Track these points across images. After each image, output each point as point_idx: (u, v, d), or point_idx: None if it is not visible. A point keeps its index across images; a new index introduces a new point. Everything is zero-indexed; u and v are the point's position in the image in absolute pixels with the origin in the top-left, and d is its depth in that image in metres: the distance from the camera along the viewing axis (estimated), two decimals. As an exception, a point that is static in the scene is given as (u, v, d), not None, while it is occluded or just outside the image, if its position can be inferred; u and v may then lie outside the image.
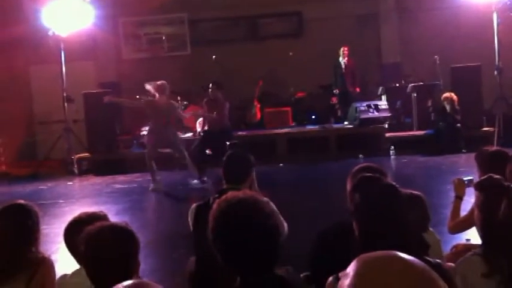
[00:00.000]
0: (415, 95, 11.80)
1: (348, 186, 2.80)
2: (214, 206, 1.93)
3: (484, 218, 2.38)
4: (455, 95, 11.04)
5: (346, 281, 0.97)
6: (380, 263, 0.99)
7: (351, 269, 0.99)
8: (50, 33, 11.48)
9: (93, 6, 11.68)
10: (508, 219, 2.25)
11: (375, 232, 2.02)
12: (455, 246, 3.78)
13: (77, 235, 2.26)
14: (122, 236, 2.11)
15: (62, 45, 11.64)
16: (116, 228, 2.15)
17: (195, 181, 9.18)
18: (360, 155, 10.76)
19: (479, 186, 2.47)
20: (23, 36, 12.33)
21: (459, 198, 3.74)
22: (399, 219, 2.09)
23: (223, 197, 1.97)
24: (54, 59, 11.84)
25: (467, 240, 3.98)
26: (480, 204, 2.41)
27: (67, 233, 2.72)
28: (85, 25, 11.71)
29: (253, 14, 14.03)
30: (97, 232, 2.10)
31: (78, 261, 2.67)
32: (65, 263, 3.47)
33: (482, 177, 2.57)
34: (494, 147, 5.04)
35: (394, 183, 2.17)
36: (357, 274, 0.97)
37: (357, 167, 2.94)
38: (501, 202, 2.27)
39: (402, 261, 0.99)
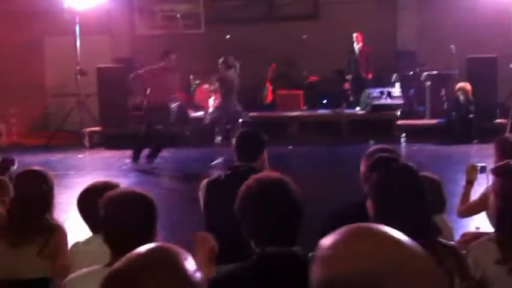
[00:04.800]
0: (429, 83, 11.71)
1: (362, 167, 2.79)
2: (247, 183, 2.08)
3: (500, 203, 2.37)
4: (470, 85, 10.95)
5: (327, 239, 0.96)
6: (367, 231, 0.96)
7: (337, 231, 0.97)
8: (65, 5, 11.47)
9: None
10: None
11: (392, 212, 2.02)
12: (464, 235, 3.77)
13: (92, 201, 2.28)
14: (142, 201, 2.13)
15: (77, 19, 11.63)
16: (136, 193, 2.17)
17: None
18: (371, 141, 10.72)
19: (498, 171, 2.46)
20: (38, 7, 12.31)
21: (470, 183, 3.72)
22: (417, 200, 2.09)
23: (254, 177, 2.10)
24: (69, 31, 11.85)
25: (477, 228, 3.97)
26: (498, 190, 2.39)
27: (81, 200, 2.74)
28: (101, -1, 11.70)
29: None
30: (118, 196, 2.12)
31: (92, 228, 2.70)
32: (75, 232, 3.51)
33: (501, 163, 2.55)
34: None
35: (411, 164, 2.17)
36: (340, 235, 0.95)
37: (371, 148, 2.93)
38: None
39: (391, 234, 0.95)
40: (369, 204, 2.14)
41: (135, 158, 9.52)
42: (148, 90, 9.35)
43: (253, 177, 2.08)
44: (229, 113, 10.05)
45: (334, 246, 0.93)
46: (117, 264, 1.05)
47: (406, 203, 2.04)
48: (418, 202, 2.07)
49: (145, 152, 9.49)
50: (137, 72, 9.75)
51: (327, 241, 0.95)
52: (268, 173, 2.18)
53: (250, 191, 2.03)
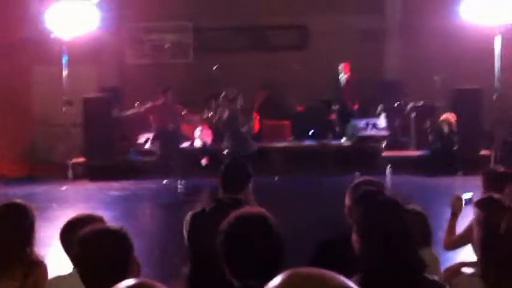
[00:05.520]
0: (414, 114, 11.82)
1: (347, 200, 2.78)
2: (228, 219, 2.09)
3: (484, 235, 2.37)
4: (455, 116, 11.07)
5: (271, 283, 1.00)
6: (310, 278, 0.99)
7: (280, 275, 1.01)
8: (52, 36, 11.50)
9: (99, 10, 11.71)
10: (508, 238, 2.24)
11: (378, 247, 2.01)
12: (447, 270, 3.73)
13: (74, 235, 2.25)
14: (115, 237, 2.12)
15: (64, 48, 11.65)
16: (110, 230, 2.16)
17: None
18: (357, 172, 10.75)
19: (481, 204, 2.47)
20: (26, 37, 12.33)
21: (455, 215, 3.72)
22: (403, 235, 2.08)
23: (235, 213, 2.12)
24: (56, 61, 11.86)
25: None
26: (481, 222, 2.40)
27: (63, 233, 2.71)
28: (90, 28, 11.73)
29: (258, 24, 14.09)
30: (91, 233, 2.11)
31: (73, 261, 2.65)
32: (57, 266, 3.44)
33: (483, 196, 2.57)
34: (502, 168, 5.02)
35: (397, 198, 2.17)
36: (283, 281, 0.98)
37: (357, 181, 2.93)
38: (501, 220, 2.26)
39: (335, 281, 0.97)
40: (354, 238, 2.13)
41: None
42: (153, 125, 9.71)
43: (233, 214, 2.10)
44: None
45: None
46: None
47: (392, 238, 2.03)
48: (404, 237, 2.06)
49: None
50: (139, 110, 10.07)
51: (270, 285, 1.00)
52: (248, 209, 2.20)
53: (230, 228, 2.04)
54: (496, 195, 2.50)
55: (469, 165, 9.80)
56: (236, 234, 2.02)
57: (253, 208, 2.23)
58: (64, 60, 11.78)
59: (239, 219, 2.05)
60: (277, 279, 1.01)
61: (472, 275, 2.34)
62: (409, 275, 1.93)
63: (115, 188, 10.29)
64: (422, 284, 1.96)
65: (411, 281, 1.94)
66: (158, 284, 1.08)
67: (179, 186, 9.52)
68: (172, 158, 9.90)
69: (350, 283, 0.98)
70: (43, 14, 11.46)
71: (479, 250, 2.41)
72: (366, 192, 2.29)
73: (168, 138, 10.01)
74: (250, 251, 1.98)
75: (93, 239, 2.09)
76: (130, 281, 1.08)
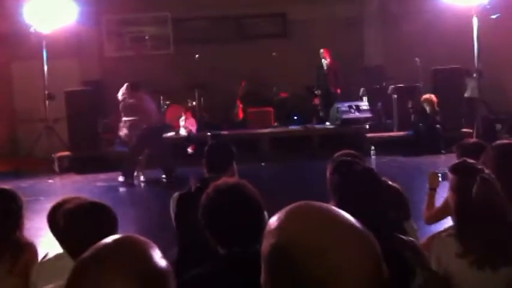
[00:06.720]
0: (395, 96, 11.94)
1: (328, 173, 2.85)
2: (208, 190, 2.18)
3: (458, 199, 2.45)
4: (436, 96, 11.20)
5: (273, 217, 1.05)
6: (312, 209, 1.04)
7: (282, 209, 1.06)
8: (32, 30, 11.41)
9: (76, 3, 11.64)
10: (480, 200, 2.32)
11: (351, 209, 2.08)
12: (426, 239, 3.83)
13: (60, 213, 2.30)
14: (98, 209, 2.18)
15: (44, 43, 11.57)
16: (91, 202, 2.23)
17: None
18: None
19: (453, 169, 2.55)
20: (4, 33, 12.24)
21: (433, 189, 3.82)
22: (377, 201, 2.15)
23: (213, 185, 2.20)
24: (36, 56, 11.77)
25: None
26: (454, 186, 2.48)
27: (50, 214, 2.75)
28: (68, 22, 11.66)
29: (238, 13, 14.09)
30: (74, 207, 2.17)
31: (59, 237, 2.70)
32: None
33: (457, 161, 2.65)
34: (474, 139, 5.15)
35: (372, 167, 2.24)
36: (283, 212, 1.04)
37: (337, 153, 3.00)
38: (474, 183, 2.34)
39: (338, 214, 1.03)
40: (331, 204, 2.19)
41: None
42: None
43: (211, 186, 2.18)
44: None
45: (278, 220, 1.03)
46: (85, 254, 1.08)
47: (367, 202, 2.10)
48: (376, 200, 2.13)
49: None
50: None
51: (272, 218, 1.05)
52: (225, 180, 2.27)
53: (208, 199, 2.12)
54: (469, 160, 2.58)
55: (452, 144, 9.90)
56: (215, 203, 2.09)
57: (230, 179, 2.29)
58: (44, 54, 11.69)
59: (216, 190, 2.13)
60: (277, 214, 1.06)
61: (448, 235, 2.43)
62: (380, 235, 2.00)
63: (102, 179, 10.29)
64: (396, 244, 2.04)
65: (384, 241, 2.01)
66: (144, 238, 1.13)
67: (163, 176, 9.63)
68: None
69: (352, 219, 1.04)
70: (21, 8, 11.35)
71: (454, 213, 2.49)
72: (342, 162, 2.36)
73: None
74: (229, 219, 2.04)
75: (76, 211, 2.15)
76: (118, 235, 1.13)
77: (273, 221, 1.04)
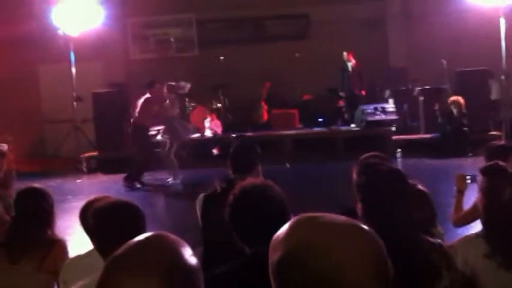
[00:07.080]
0: (422, 98, 11.82)
1: (354, 174, 2.85)
2: (234, 190, 2.22)
3: (487, 201, 2.43)
4: (462, 99, 11.06)
5: (279, 231, 1.09)
6: (315, 217, 1.07)
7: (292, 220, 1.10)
8: (60, 32, 11.60)
9: (102, 6, 11.80)
10: (510, 203, 2.30)
11: (377, 211, 2.08)
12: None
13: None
14: (128, 208, 2.24)
15: (72, 45, 11.75)
16: (121, 201, 2.28)
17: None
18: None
19: (484, 171, 2.53)
20: (32, 35, 12.45)
21: (461, 192, 3.77)
22: (404, 202, 2.14)
23: (239, 185, 2.24)
24: (63, 58, 11.96)
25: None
26: (484, 188, 2.46)
27: (82, 210, 2.82)
28: (94, 25, 11.83)
29: (260, 15, 14.12)
30: (105, 205, 2.22)
31: (90, 234, 2.76)
32: (76, 253, 3.53)
33: (488, 163, 2.63)
34: (501, 142, 5.08)
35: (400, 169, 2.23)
36: (290, 224, 1.08)
37: (364, 155, 2.99)
38: (505, 187, 2.32)
39: (347, 222, 1.06)
40: (358, 206, 2.20)
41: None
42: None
43: (238, 186, 2.22)
44: None
45: (283, 231, 1.08)
46: (117, 251, 1.11)
47: (391, 202, 2.10)
48: (403, 202, 2.12)
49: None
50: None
51: (278, 232, 1.09)
52: (251, 180, 2.31)
53: (235, 199, 2.16)
54: (500, 163, 2.56)
55: (479, 146, 9.78)
56: (242, 204, 2.13)
57: (256, 179, 2.33)
58: (72, 57, 11.87)
59: (243, 190, 2.17)
60: (285, 226, 1.08)
61: (476, 235, 2.41)
62: (405, 236, 2.00)
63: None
64: (423, 245, 2.04)
65: (410, 242, 2.01)
66: (174, 236, 1.15)
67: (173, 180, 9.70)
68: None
69: (353, 221, 1.06)
70: (49, 11, 11.55)
71: (483, 215, 2.47)
72: (369, 163, 2.36)
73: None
74: (256, 219, 2.07)
75: (106, 209, 2.20)
76: (149, 233, 1.15)
77: (278, 234, 1.08)
